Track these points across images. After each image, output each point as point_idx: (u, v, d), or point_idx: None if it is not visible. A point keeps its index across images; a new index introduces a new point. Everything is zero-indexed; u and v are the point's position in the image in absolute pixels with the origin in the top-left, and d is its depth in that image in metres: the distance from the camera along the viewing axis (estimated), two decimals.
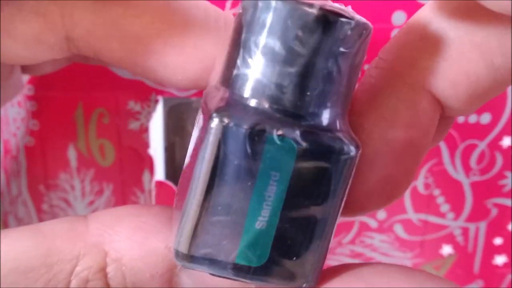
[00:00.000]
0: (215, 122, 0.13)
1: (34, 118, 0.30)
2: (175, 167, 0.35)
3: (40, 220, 0.31)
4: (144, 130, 0.30)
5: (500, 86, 0.17)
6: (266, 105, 0.14)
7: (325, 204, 0.14)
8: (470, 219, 0.31)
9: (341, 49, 0.14)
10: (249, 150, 0.13)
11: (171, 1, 0.18)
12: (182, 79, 0.18)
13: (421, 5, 0.18)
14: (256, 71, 0.14)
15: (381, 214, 0.31)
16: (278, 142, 0.13)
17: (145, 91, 0.30)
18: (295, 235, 0.14)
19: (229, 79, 0.14)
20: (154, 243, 0.15)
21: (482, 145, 0.29)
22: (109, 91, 0.30)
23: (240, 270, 0.14)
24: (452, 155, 0.29)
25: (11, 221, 0.32)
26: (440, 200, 0.30)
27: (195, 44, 0.17)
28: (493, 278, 0.32)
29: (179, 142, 0.35)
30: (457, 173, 0.30)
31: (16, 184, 0.31)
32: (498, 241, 0.31)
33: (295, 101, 0.14)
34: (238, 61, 0.14)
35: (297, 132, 0.14)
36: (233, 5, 0.27)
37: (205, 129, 0.14)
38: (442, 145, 0.29)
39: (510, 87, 0.28)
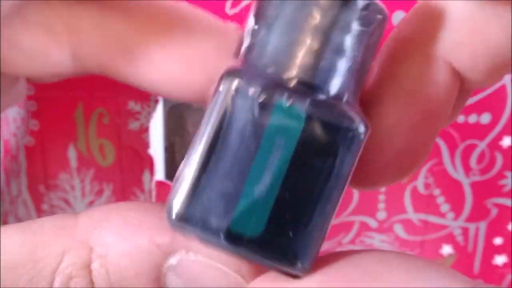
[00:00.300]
0: (225, 83, 0.13)
1: (34, 118, 0.30)
2: (175, 167, 0.35)
3: None
4: (144, 130, 0.30)
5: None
6: (278, 72, 0.14)
7: (329, 180, 0.14)
8: (470, 219, 0.31)
9: (358, 26, 0.14)
10: (256, 113, 0.13)
11: (174, 16, 0.18)
12: (189, 92, 0.18)
13: None
14: (270, 39, 0.14)
15: (381, 214, 0.31)
16: (286, 108, 0.13)
17: (145, 92, 0.30)
18: (294, 209, 0.14)
19: (243, 48, 0.14)
20: (140, 239, 0.14)
21: (482, 145, 0.29)
22: (109, 91, 0.30)
23: (232, 239, 0.13)
24: (452, 155, 0.29)
25: (11, 221, 0.32)
26: (440, 200, 0.30)
27: (200, 58, 0.17)
28: (493, 278, 0.32)
29: (179, 142, 0.35)
30: (457, 173, 0.30)
31: (16, 184, 0.31)
32: (498, 241, 0.31)
33: (307, 72, 0.14)
34: (252, 30, 0.14)
35: (307, 102, 0.13)
36: (233, 5, 0.27)
37: (215, 91, 0.14)
38: (442, 145, 0.29)
39: (510, 87, 0.28)
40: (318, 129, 0.13)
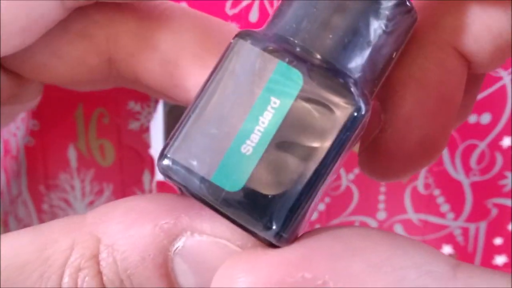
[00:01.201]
0: (235, 39, 0.14)
1: (34, 118, 0.30)
2: None
3: (40, 220, 0.31)
4: (144, 130, 0.31)
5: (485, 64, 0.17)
6: (288, 37, 0.14)
7: (317, 151, 0.13)
8: (470, 219, 0.31)
9: (383, 19, 0.14)
10: (257, 69, 0.13)
11: (207, 25, 0.19)
12: None
13: None
14: (290, 10, 0.14)
15: (381, 214, 0.31)
16: (287, 68, 0.13)
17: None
18: (278, 171, 0.13)
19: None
20: (145, 224, 0.14)
21: (482, 145, 0.29)
22: (109, 91, 0.30)
23: (212, 191, 0.13)
24: (452, 155, 0.29)
25: (11, 221, 0.32)
26: (440, 200, 0.30)
27: None
28: None
29: None
30: (457, 173, 0.30)
31: (16, 184, 0.31)
32: (498, 241, 0.31)
33: (316, 40, 0.14)
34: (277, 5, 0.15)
35: (308, 66, 0.14)
36: (233, 5, 0.27)
37: (226, 48, 0.14)
38: None
39: (510, 87, 0.28)
40: (314, 97, 0.13)
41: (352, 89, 0.14)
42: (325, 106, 0.13)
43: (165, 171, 0.14)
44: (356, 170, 0.30)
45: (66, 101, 0.29)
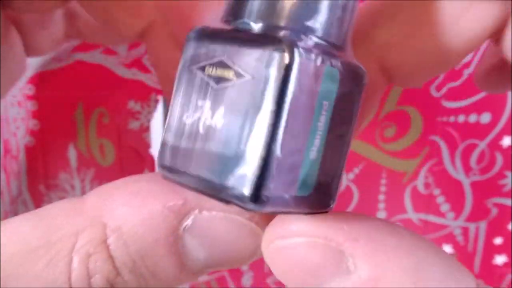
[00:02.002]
0: (278, 55, 0.13)
1: (34, 118, 0.30)
2: None
3: None
4: (144, 130, 0.31)
5: (448, 63, 0.18)
6: (314, 37, 0.14)
7: (350, 126, 0.15)
8: (470, 218, 0.31)
9: None
10: (314, 82, 0.14)
11: None
12: None
13: None
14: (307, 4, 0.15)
15: (381, 214, 0.31)
16: (331, 72, 0.14)
17: (145, 91, 0.30)
18: (332, 160, 0.14)
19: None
20: (152, 205, 0.15)
21: (482, 145, 0.29)
22: (109, 91, 0.30)
23: (300, 202, 0.14)
24: (452, 155, 0.29)
25: None
26: (440, 199, 0.30)
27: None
28: (493, 278, 0.32)
29: None
30: (457, 173, 0.30)
31: (16, 184, 0.31)
32: (498, 240, 0.31)
33: (333, 32, 0.15)
34: None
35: (340, 61, 0.14)
36: None
37: (271, 62, 0.14)
38: (442, 145, 0.29)
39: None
40: (346, 83, 0.14)
41: (356, 62, 0.15)
42: (352, 86, 0.14)
43: (261, 210, 0.14)
44: (356, 170, 0.30)
45: (66, 101, 0.29)
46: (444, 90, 0.28)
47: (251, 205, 0.14)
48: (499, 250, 0.31)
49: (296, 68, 0.13)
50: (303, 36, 0.14)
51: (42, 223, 0.15)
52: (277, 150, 0.13)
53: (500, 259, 0.32)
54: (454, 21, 0.17)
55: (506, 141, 0.29)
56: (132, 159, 0.31)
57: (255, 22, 0.14)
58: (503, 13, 0.17)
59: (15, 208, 0.31)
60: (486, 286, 0.15)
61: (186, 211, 0.15)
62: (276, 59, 0.13)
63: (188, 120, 0.14)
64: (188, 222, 0.15)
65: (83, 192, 0.31)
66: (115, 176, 0.31)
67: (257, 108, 0.13)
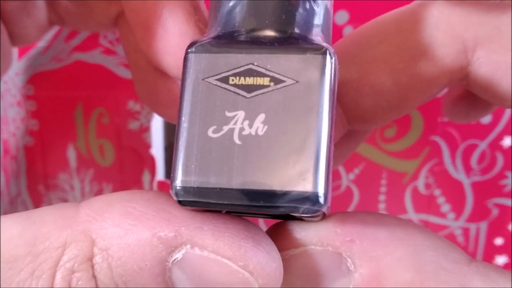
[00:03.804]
0: (321, 57, 0.14)
1: (33, 118, 0.30)
2: None
3: None
4: (144, 130, 0.30)
5: (406, 105, 0.18)
6: (319, 37, 0.15)
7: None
8: (471, 219, 0.31)
9: None
10: (335, 79, 0.14)
11: None
12: None
13: None
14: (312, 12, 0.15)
15: None
16: (329, 65, 0.14)
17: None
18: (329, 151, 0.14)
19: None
20: (142, 232, 0.14)
21: (482, 145, 0.29)
22: (109, 91, 0.30)
23: (323, 199, 0.14)
24: (452, 155, 0.29)
25: None
26: (441, 200, 0.30)
27: None
28: None
29: None
30: (458, 173, 0.30)
31: (15, 184, 0.31)
32: (498, 241, 0.31)
33: (326, 32, 0.15)
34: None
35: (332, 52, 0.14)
36: None
37: (312, 66, 0.14)
38: (443, 145, 0.29)
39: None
40: (332, 73, 0.14)
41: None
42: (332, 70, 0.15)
43: (325, 206, 0.14)
44: (357, 170, 0.30)
45: (66, 101, 0.29)
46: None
47: (317, 206, 0.13)
48: (500, 250, 0.31)
49: (333, 68, 0.14)
50: (314, 38, 0.15)
51: (30, 229, 0.14)
52: (331, 148, 0.14)
53: (500, 260, 0.32)
54: (412, 60, 0.17)
55: (506, 141, 0.29)
56: (131, 159, 0.31)
57: (270, 28, 0.15)
58: (462, 55, 0.17)
59: (15, 208, 0.31)
60: (480, 261, 0.15)
61: (177, 244, 0.14)
62: (319, 62, 0.14)
63: (216, 134, 0.14)
64: (178, 255, 0.14)
65: (83, 193, 0.31)
66: (115, 176, 0.31)
67: (310, 109, 0.14)
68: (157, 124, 0.31)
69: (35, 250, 0.14)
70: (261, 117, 0.14)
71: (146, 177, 0.31)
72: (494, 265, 0.15)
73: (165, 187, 0.32)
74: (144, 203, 0.15)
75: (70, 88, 0.29)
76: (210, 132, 0.14)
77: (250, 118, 0.14)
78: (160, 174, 0.32)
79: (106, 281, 0.14)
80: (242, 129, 0.14)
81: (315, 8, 0.15)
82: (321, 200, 0.13)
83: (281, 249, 0.15)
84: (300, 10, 0.15)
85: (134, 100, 0.30)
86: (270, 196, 0.13)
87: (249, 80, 0.14)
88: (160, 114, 0.22)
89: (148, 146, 0.31)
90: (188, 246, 0.14)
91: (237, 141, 0.14)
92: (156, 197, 0.15)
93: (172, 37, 0.18)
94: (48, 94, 0.29)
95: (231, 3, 0.15)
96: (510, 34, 0.16)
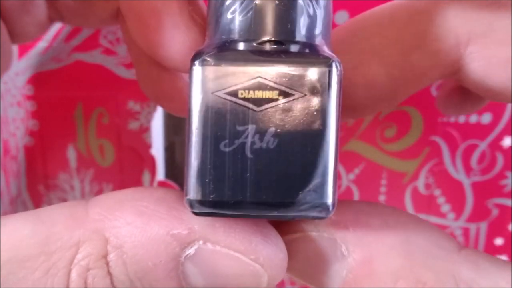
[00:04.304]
0: (328, 71, 0.14)
1: (33, 118, 0.30)
2: (175, 167, 0.35)
3: None
4: (144, 130, 0.30)
5: (396, 97, 0.18)
6: (324, 47, 0.15)
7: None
8: (471, 219, 0.31)
9: None
10: (340, 87, 0.14)
11: None
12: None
13: None
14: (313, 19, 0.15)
15: None
16: (339, 75, 0.14)
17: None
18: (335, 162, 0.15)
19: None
20: (155, 229, 0.14)
21: (483, 145, 0.29)
22: (109, 91, 0.30)
23: (331, 207, 0.15)
24: (452, 155, 0.29)
25: None
26: (441, 200, 0.30)
27: None
28: None
29: (179, 142, 0.35)
30: (458, 173, 0.30)
31: (15, 184, 0.31)
32: (499, 241, 0.31)
33: (328, 39, 0.16)
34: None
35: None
36: None
37: (322, 77, 0.14)
38: (443, 145, 0.29)
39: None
40: (338, 84, 0.14)
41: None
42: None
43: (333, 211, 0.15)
44: (357, 170, 0.30)
45: (66, 101, 0.29)
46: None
47: (327, 213, 0.14)
48: (500, 250, 0.31)
49: (339, 79, 0.14)
50: (318, 44, 0.15)
51: (41, 229, 0.14)
52: (338, 157, 0.14)
53: None
54: (406, 53, 0.17)
55: (506, 142, 0.29)
56: (131, 159, 0.31)
57: (276, 37, 0.15)
58: (455, 49, 0.17)
59: (15, 209, 0.31)
60: (470, 248, 0.16)
61: (190, 240, 0.15)
62: (326, 74, 0.14)
63: (228, 148, 0.14)
64: (191, 251, 0.15)
65: (83, 193, 0.31)
66: (115, 176, 0.31)
67: (318, 122, 0.14)
68: (157, 124, 0.31)
69: (47, 250, 0.14)
70: (271, 130, 0.14)
71: (146, 177, 0.31)
72: (484, 253, 0.16)
73: (165, 187, 0.32)
74: (155, 202, 0.15)
75: (70, 88, 0.29)
76: (222, 146, 0.14)
77: (261, 132, 0.14)
78: (160, 174, 0.32)
79: (121, 277, 0.15)
80: (253, 143, 0.14)
81: (317, 11, 0.15)
82: (330, 208, 0.14)
83: (281, 234, 0.16)
84: (305, 17, 0.15)
85: (134, 100, 0.30)
86: (283, 207, 0.14)
87: (258, 94, 0.14)
88: (165, 107, 0.22)
89: (148, 146, 0.31)
90: (201, 242, 0.15)
91: (249, 155, 0.14)
92: (166, 195, 0.15)
93: (166, 28, 0.18)
94: (48, 94, 0.29)
95: (234, 9, 0.15)
96: (503, 31, 0.17)
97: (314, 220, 0.16)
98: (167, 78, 0.20)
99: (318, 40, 0.15)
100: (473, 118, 0.28)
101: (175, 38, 0.18)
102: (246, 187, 0.14)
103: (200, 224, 0.15)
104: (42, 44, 0.28)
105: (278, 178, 0.14)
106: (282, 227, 0.16)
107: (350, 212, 0.16)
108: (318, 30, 0.15)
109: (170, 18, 0.18)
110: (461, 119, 0.29)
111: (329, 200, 0.14)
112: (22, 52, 0.28)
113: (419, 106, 0.29)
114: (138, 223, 0.15)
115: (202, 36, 0.18)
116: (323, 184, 0.14)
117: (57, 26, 0.27)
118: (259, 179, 0.14)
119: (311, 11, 0.15)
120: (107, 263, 0.14)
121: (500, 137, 0.29)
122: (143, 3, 0.18)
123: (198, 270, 0.15)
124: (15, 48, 0.27)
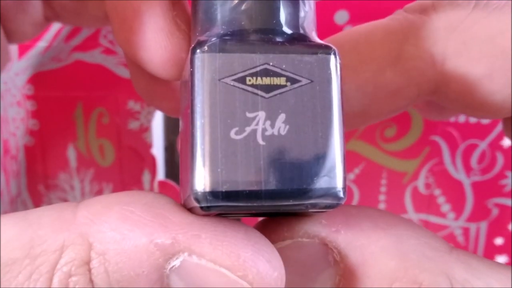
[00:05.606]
0: (332, 57, 0.14)
1: (33, 118, 0.30)
2: (175, 167, 0.35)
3: None
4: (144, 130, 0.30)
5: (370, 114, 0.18)
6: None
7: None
8: (471, 219, 0.31)
9: None
10: (341, 76, 0.15)
11: None
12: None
13: None
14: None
15: None
16: (340, 63, 0.15)
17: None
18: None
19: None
20: (139, 238, 0.14)
21: (483, 145, 0.29)
22: (109, 91, 0.30)
23: (343, 193, 0.15)
24: (453, 155, 0.29)
25: None
26: (441, 200, 0.30)
27: None
28: None
29: (179, 142, 0.35)
30: (458, 173, 0.30)
31: (15, 184, 0.31)
32: (499, 241, 0.31)
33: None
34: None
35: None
36: None
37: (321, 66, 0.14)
38: (443, 145, 0.29)
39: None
40: (340, 72, 0.15)
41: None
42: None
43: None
44: (357, 170, 0.30)
45: (66, 101, 0.29)
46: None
47: (340, 200, 0.14)
48: (500, 250, 0.31)
49: (340, 67, 0.14)
50: (314, 37, 0.16)
51: (27, 231, 0.14)
52: (345, 143, 0.15)
53: (501, 260, 0.32)
54: (380, 70, 0.17)
55: (506, 141, 0.29)
56: (131, 159, 0.31)
57: (278, 27, 0.15)
58: (430, 68, 0.17)
59: (15, 208, 0.31)
60: (461, 249, 0.16)
61: (174, 252, 0.14)
62: (329, 61, 0.14)
63: (239, 135, 0.14)
64: (176, 262, 0.14)
65: (83, 193, 0.31)
66: (115, 176, 0.31)
67: (326, 107, 0.14)
68: (157, 124, 0.31)
69: (32, 253, 0.14)
70: (282, 117, 0.14)
71: (146, 177, 0.31)
72: (474, 254, 0.16)
73: (165, 187, 0.32)
74: (142, 207, 0.14)
75: (70, 88, 0.29)
76: (232, 134, 0.14)
77: (272, 118, 0.14)
78: (160, 174, 0.32)
79: (103, 286, 0.14)
80: (264, 129, 0.14)
81: (310, 8, 0.16)
82: (343, 194, 0.14)
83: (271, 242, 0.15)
84: (302, 11, 0.15)
85: (134, 100, 0.30)
86: (299, 194, 0.14)
87: (266, 80, 0.14)
88: (159, 108, 0.22)
89: (148, 146, 0.31)
90: (186, 253, 0.14)
91: (261, 142, 0.14)
92: (154, 200, 0.15)
93: (148, 31, 0.18)
94: (48, 94, 0.29)
95: (234, 1, 0.15)
96: (476, 48, 0.17)
97: (313, 220, 0.15)
98: (159, 79, 0.20)
99: (314, 34, 0.16)
100: (473, 118, 0.28)
101: (157, 42, 0.18)
102: (260, 175, 0.14)
103: (185, 234, 0.14)
104: (42, 44, 0.28)
105: (291, 165, 0.14)
106: (270, 235, 0.15)
107: (340, 216, 0.16)
108: (312, 25, 0.16)
109: (152, 21, 0.18)
110: (461, 119, 0.29)
111: (342, 185, 0.14)
112: (22, 52, 0.28)
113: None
114: (121, 229, 0.14)
115: (185, 41, 0.18)
116: (336, 169, 0.14)
117: (57, 26, 0.27)
118: (274, 167, 0.14)
119: (306, 8, 0.15)
120: (89, 270, 0.14)
121: (500, 137, 0.29)
122: (126, 4, 0.18)
123: (184, 283, 0.14)
124: (15, 48, 0.27)
